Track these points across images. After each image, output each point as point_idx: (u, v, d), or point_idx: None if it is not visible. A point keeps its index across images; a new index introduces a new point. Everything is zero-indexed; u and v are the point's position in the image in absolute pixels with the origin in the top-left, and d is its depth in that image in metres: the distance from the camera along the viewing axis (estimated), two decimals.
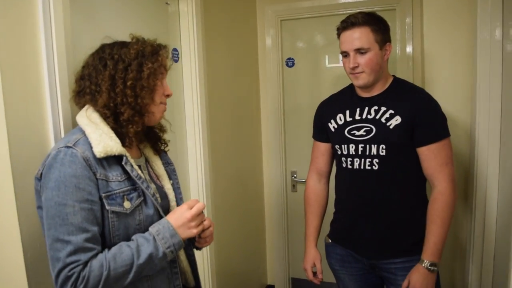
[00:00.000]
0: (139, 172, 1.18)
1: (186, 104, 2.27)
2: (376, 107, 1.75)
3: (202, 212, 1.22)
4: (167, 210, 1.29)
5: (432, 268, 1.65)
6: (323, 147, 1.97)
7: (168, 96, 1.29)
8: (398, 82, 1.81)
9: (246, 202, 3.00)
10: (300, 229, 3.10)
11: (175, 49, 2.20)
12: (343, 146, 1.81)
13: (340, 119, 1.83)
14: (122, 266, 1.05)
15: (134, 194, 1.15)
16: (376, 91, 1.77)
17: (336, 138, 1.85)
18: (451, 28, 2.38)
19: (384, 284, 1.89)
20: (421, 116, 1.68)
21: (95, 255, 1.04)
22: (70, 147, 1.07)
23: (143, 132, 1.32)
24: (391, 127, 1.69)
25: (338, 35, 1.76)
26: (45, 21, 1.30)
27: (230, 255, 2.71)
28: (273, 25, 3.04)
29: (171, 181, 1.36)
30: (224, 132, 2.62)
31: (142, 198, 1.17)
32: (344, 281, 1.94)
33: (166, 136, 1.46)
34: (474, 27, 2.18)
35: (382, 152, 1.71)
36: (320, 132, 1.96)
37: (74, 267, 1.00)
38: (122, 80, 1.16)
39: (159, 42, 1.29)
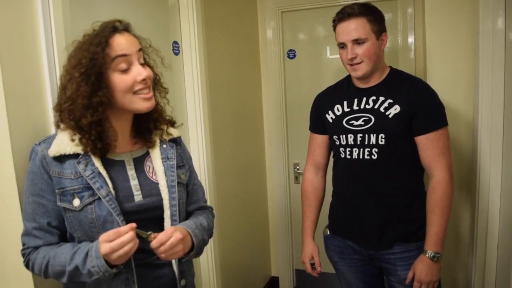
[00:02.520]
0: (101, 170, 1.15)
1: (188, 97, 2.27)
2: (374, 97, 1.75)
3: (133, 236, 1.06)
4: (158, 208, 1.24)
5: (436, 258, 1.66)
6: (320, 139, 1.97)
7: (143, 80, 1.16)
8: (395, 73, 1.81)
9: (249, 195, 3.01)
10: None
11: (175, 42, 2.19)
12: (341, 136, 1.81)
13: (338, 110, 1.83)
14: (58, 266, 1.10)
15: (86, 193, 1.14)
16: (374, 81, 1.78)
17: (334, 128, 1.85)
18: (453, 18, 2.36)
19: (384, 275, 1.90)
20: (420, 105, 1.68)
21: (45, 245, 1.15)
22: (36, 144, 1.16)
23: (139, 124, 1.29)
24: (390, 116, 1.70)
25: (334, 27, 1.76)
26: (44, 15, 1.31)
27: (234, 248, 2.72)
28: (274, 16, 3.03)
29: (166, 177, 1.28)
30: (226, 124, 2.62)
31: (95, 197, 1.14)
32: (343, 273, 1.95)
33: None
34: (476, 16, 2.16)
35: (382, 141, 1.71)
36: (317, 124, 1.96)
37: (25, 248, 1.16)
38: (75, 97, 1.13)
39: (100, 29, 1.15)
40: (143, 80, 1.16)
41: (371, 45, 1.68)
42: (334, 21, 1.76)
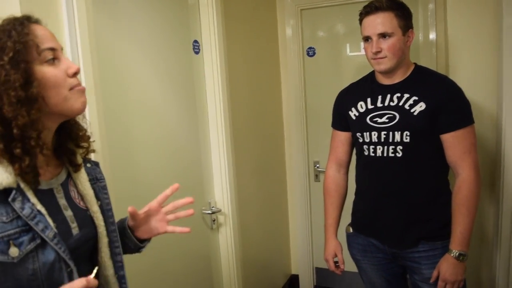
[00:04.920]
0: (38, 207, 0.88)
1: (208, 95, 2.29)
2: (398, 94, 1.73)
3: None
4: (92, 238, 1.04)
5: (461, 257, 1.64)
6: (343, 136, 1.95)
7: (75, 74, 0.95)
8: (420, 69, 1.79)
9: (269, 193, 3.02)
10: (323, 218, 3.11)
11: (196, 41, 2.21)
12: (365, 134, 1.79)
13: (361, 107, 1.81)
14: None
15: (26, 237, 0.86)
16: (398, 78, 1.75)
17: (357, 126, 1.83)
18: (475, 14, 2.33)
19: (408, 273, 1.88)
20: (446, 103, 1.66)
21: None
22: None
23: (58, 143, 1.03)
24: (415, 113, 1.68)
25: (361, 20, 1.74)
26: (69, 18, 1.33)
27: (255, 246, 2.73)
28: (293, 14, 3.02)
29: (99, 201, 1.07)
30: (246, 123, 2.63)
31: (38, 241, 0.87)
32: (366, 271, 1.94)
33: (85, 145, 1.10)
34: (500, 11, 2.13)
35: (406, 139, 1.69)
36: (340, 121, 1.94)
37: None
38: None
39: (13, 18, 0.92)
40: (75, 73, 0.95)
41: (397, 40, 1.66)
42: (360, 14, 1.74)
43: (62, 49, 0.97)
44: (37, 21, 0.95)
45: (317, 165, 3.17)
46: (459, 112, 1.68)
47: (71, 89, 0.94)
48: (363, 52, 2.91)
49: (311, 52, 3.07)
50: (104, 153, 1.45)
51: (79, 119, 1.07)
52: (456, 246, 1.65)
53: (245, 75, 2.63)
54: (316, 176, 3.19)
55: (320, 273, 3.31)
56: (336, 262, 1.95)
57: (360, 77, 1.97)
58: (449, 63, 2.44)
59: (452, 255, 1.65)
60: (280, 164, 3.20)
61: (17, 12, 1.16)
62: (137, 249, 1.25)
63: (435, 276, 1.69)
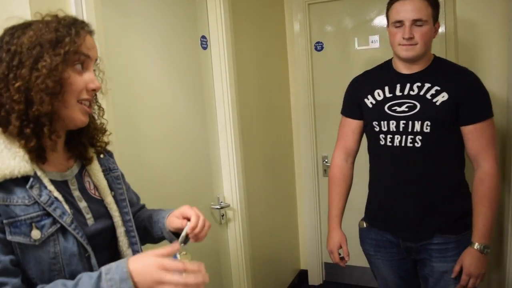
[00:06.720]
0: (55, 194, 0.92)
1: (216, 91, 2.29)
2: (419, 84, 1.69)
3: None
4: (108, 229, 1.07)
5: (485, 250, 1.63)
6: (355, 125, 1.89)
7: (94, 90, 0.99)
8: (439, 60, 1.76)
9: (278, 188, 3.02)
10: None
11: (203, 37, 2.21)
12: (382, 122, 1.75)
13: (379, 95, 1.77)
14: None
15: (47, 221, 0.89)
16: (417, 68, 1.71)
17: (374, 114, 1.78)
18: (484, 6, 2.30)
19: (418, 265, 1.85)
20: (468, 94, 1.64)
21: None
22: None
23: (70, 137, 1.06)
24: (437, 103, 1.64)
25: (391, 4, 1.69)
26: (78, 14, 1.34)
27: (264, 241, 2.74)
28: (301, 9, 3.01)
29: (113, 192, 1.10)
30: (254, 118, 2.63)
31: (58, 225, 0.91)
32: (379, 267, 1.91)
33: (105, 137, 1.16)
34: (510, 5, 2.10)
35: (427, 129, 1.66)
36: (353, 108, 1.89)
37: None
38: (14, 82, 0.89)
39: (72, 19, 0.97)
40: (93, 90, 0.98)
41: (429, 29, 1.63)
42: None
43: (96, 61, 1.02)
44: (91, 32, 1.01)
45: (326, 160, 3.16)
46: (481, 104, 1.66)
47: (79, 102, 0.96)
48: (371, 46, 2.92)
49: (319, 46, 3.06)
50: (113, 149, 1.45)
51: (97, 113, 1.11)
52: (479, 239, 1.63)
53: (253, 70, 2.63)
54: (325, 171, 3.18)
55: (329, 268, 3.31)
56: (340, 254, 1.91)
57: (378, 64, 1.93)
58: (459, 57, 2.41)
59: (475, 248, 1.63)
60: (288, 159, 3.20)
61: (26, 8, 1.18)
62: (159, 239, 1.27)
63: (457, 271, 1.67)
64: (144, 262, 0.85)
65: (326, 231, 3.28)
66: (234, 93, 2.31)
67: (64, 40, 0.92)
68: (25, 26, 0.93)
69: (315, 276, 3.32)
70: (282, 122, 3.10)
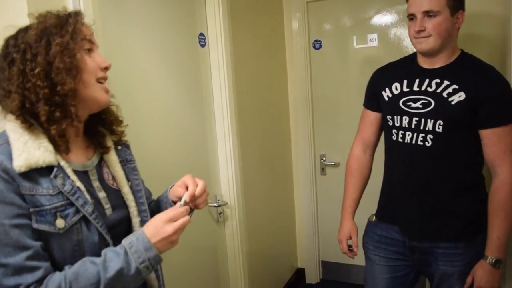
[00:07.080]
0: (77, 184, 0.98)
1: (214, 88, 2.28)
2: (438, 80, 1.62)
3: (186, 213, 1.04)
4: (125, 219, 1.12)
5: (497, 264, 1.56)
6: (373, 116, 1.85)
7: (106, 69, 1.05)
8: (465, 56, 1.67)
9: (275, 186, 3.02)
10: (330, 212, 3.11)
11: (201, 34, 2.20)
12: (395, 117, 1.70)
13: (396, 89, 1.72)
14: (85, 286, 0.90)
15: (71, 210, 0.95)
16: (440, 63, 1.64)
17: (388, 108, 1.74)
18: (485, 2, 2.31)
19: (422, 265, 1.78)
20: (488, 95, 1.54)
21: (46, 275, 0.90)
22: None
23: (89, 127, 1.11)
24: (452, 103, 1.57)
25: None
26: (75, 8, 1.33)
27: (261, 239, 2.74)
28: (300, 7, 3.01)
29: (129, 182, 1.15)
30: (252, 116, 2.62)
31: (81, 215, 0.96)
32: (374, 262, 1.86)
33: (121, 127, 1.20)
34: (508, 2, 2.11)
35: (439, 128, 1.59)
36: (372, 100, 1.84)
37: None
38: (32, 72, 0.93)
39: (69, 11, 1.03)
40: (106, 68, 1.04)
41: (443, 20, 1.55)
42: None
43: (97, 47, 1.07)
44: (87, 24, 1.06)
45: (323, 159, 3.16)
46: (503, 108, 1.57)
47: (98, 81, 1.03)
48: (369, 44, 2.92)
49: (317, 45, 3.05)
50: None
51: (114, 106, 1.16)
52: (492, 252, 1.57)
53: (251, 68, 2.62)
54: (322, 169, 3.18)
55: (326, 266, 3.31)
56: (349, 246, 1.87)
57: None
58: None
59: (488, 261, 1.57)
60: (286, 157, 3.20)
61: (24, 7, 1.18)
62: None
63: (469, 282, 1.61)
64: (155, 224, 0.99)
65: (324, 229, 3.29)
66: (232, 91, 2.30)
67: (67, 20, 0.98)
68: (26, 28, 0.98)
69: (312, 274, 3.32)
70: (280, 120, 3.10)
